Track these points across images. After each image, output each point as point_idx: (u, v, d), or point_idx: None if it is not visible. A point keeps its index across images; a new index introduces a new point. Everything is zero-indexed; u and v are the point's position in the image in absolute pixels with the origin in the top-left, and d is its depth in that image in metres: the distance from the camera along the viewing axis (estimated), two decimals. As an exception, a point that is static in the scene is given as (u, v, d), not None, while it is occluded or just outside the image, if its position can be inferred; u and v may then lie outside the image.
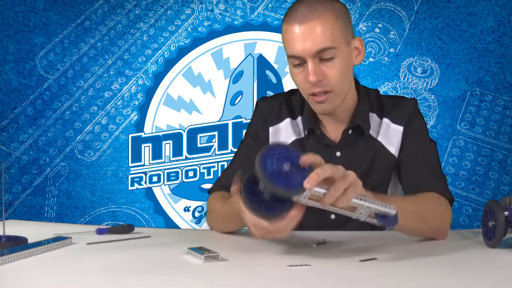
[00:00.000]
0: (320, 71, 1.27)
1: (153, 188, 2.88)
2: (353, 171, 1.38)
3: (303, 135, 1.43)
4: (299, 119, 1.45)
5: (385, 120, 1.40)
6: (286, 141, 1.44)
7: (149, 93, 2.88)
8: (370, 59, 2.77)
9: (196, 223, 2.86)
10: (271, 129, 1.46)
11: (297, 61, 1.29)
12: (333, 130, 1.41)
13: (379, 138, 1.40)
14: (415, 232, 1.21)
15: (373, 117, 1.41)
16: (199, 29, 2.89)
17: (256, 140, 1.47)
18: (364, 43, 1.36)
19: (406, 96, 1.50)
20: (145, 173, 2.87)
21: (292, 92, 1.50)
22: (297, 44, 1.26)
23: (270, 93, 2.81)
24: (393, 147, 1.39)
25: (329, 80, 1.28)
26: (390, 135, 1.39)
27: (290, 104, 1.47)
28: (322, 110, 1.34)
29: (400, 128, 1.39)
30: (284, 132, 1.45)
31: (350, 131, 1.39)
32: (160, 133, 2.88)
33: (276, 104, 1.47)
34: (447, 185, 1.34)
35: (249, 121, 1.53)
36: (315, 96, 1.30)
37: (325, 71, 1.27)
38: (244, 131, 1.53)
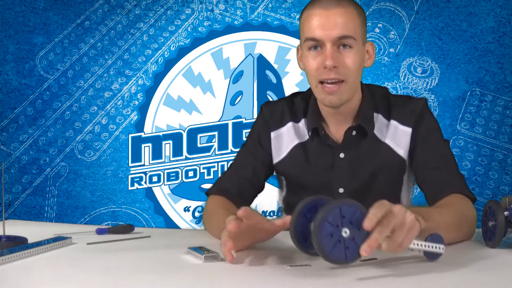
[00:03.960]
0: (337, 57, 1.27)
1: (153, 188, 2.87)
2: (362, 175, 1.37)
3: (306, 138, 1.42)
4: (302, 121, 1.44)
5: (393, 122, 1.38)
6: (289, 145, 1.44)
7: (149, 93, 2.88)
8: (370, 59, 2.76)
9: (196, 223, 2.86)
10: (272, 134, 1.46)
11: (315, 43, 1.29)
12: (337, 131, 1.40)
13: (387, 141, 1.38)
14: (452, 241, 1.17)
15: (379, 118, 1.39)
16: (199, 29, 2.89)
17: (257, 144, 1.47)
18: (375, 49, 1.37)
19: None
20: (145, 173, 2.87)
21: (295, 94, 1.50)
22: (319, 28, 1.27)
23: (270, 93, 2.81)
24: (402, 150, 1.37)
25: (345, 68, 1.28)
26: (398, 137, 1.37)
27: (292, 107, 1.46)
28: (330, 102, 1.32)
29: (408, 130, 1.37)
30: (286, 136, 1.45)
31: (354, 132, 1.38)
32: (160, 133, 2.88)
33: (278, 109, 1.47)
34: (467, 184, 1.33)
35: (249, 121, 1.53)
36: (327, 85, 1.29)
37: (342, 58, 1.28)
38: (245, 132, 1.53)
